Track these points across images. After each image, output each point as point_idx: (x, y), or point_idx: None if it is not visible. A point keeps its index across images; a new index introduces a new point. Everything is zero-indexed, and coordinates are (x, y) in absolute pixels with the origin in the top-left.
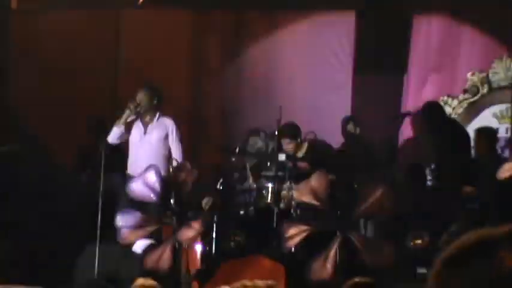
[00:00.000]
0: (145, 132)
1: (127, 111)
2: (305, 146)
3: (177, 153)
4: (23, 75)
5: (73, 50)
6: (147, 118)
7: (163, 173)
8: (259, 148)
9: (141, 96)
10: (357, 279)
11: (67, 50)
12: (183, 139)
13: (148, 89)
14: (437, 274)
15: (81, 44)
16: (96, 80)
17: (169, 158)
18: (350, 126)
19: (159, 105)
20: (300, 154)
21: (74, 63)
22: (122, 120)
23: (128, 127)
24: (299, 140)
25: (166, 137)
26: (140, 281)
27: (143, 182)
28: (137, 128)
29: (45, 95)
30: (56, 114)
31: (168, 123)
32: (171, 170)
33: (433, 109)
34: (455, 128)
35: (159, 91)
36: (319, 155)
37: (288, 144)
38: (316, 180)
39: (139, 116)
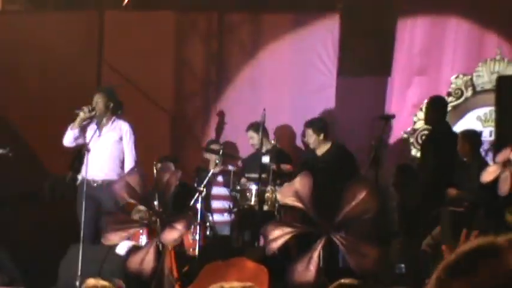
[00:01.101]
0: (99, 135)
1: (81, 114)
2: (328, 144)
3: (129, 157)
4: (6, 75)
5: (56, 52)
6: (103, 121)
7: (116, 176)
8: (254, 144)
9: (96, 99)
10: (342, 280)
11: (50, 51)
12: (137, 143)
13: (104, 92)
14: (438, 280)
15: (65, 46)
16: (79, 82)
17: (122, 161)
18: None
19: (116, 109)
20: (320, 152)
21: (58, 65)
22: (76, 123)
23: (83, 130)
24: (322, 135)
25: (120, 139)
26: (91, 281)
27: (125, 183)
28: (92, 131)
29: (27, 95)
30: (39, 115)
31: (123, 127)
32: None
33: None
34: (444, 129)
35: (115, 95)
36: (340, 159)
37: (310, 137)
38: (299, 183)
39: (94, 119)
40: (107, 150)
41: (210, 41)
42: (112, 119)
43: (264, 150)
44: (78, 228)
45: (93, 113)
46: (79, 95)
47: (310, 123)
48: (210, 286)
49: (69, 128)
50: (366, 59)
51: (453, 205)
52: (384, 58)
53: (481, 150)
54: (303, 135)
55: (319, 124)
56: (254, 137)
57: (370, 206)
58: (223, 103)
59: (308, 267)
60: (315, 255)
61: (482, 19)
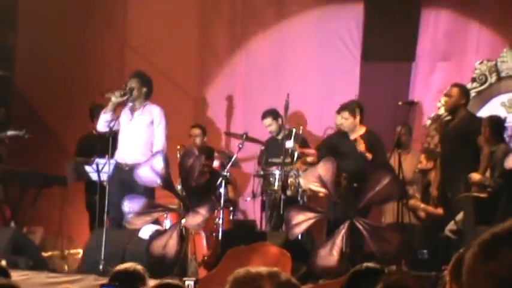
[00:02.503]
0: (132, 119)
1: (112, 98)
2: (363, 129)
3: (159, 140)
4: (30, 58)
5: (80, 38)
6: (135, 105)
7: (146, 158)
8: (272, 131)
9: (131, 84)
10: (366, 265)
11: (73, 36)
12: (168, 128)
13: (139, 77)
14: (470, 263)
15: (88, 30)
16: (103, 67)
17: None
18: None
19: (148, 94)
20: (354, 135)
21: (81, 49)
22: (109, 107)
23: (117, 114)
24: (358, 118)
25: (151, 123)
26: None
27: (150, 167)
28: (124, 115)
29: (50, 79)
30: (63, 99)
31: (154, 110)
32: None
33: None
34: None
35: (149, 80)
36: (373, 145)
37: (345, 120)
38: (323, 168)
39: (127, 103)
40: (138, 134)
41: (234, 24)
42: (144, 104)
43: (281, 135)
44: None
45: (126, 97)
46: (102, 79)
47: (346, 106)
48: (236, 271)
49: (102, 112)
50: (390, 44)
51: (476, 191)
52: (408, 43)
53: (505, 136)
54: (337, 117)
55: (355, 107)
56: (272, 124)
57: (394, 192)
58: (246, 87)
59: (331, 252)
60: (338, 240)
61: (507, 3)
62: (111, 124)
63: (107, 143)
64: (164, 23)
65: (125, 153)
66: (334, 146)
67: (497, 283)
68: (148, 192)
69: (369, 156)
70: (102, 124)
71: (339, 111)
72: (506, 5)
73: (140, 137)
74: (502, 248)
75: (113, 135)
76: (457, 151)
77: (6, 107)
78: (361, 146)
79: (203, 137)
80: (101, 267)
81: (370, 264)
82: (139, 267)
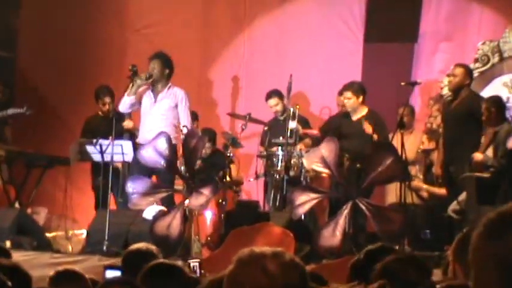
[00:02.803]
0: (155, 101)
1: (138, 81)
2: (365, 109)
3: (185, 122)
4: (33, 40)
5: (82, 20)
6: (158, 87)
7: (173, 141)
8: (277, 111)
9: (153, 65)
10: (380, 243)
11: (76, 18)
12: (192, 105)
13: (160, 58)
14: (479, 237)
15: (91, 13)
16: (106, 49)
17: (177, 126)
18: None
19: (170, 75)
20: (356, 116)
21: (83, 31)
22: (133, 89)
23: (139, 96)
24: (361, 98)
25: (175, 106)
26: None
27: (153, 148)
28: (148, 97)
29: (54, 61)
30: (66, 80)
31: (178, 93)
32: (181, 137)
33: None
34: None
35: (171, 62)
36: (376, 125)
37: (348, 100)
38: (326, 148)
39: (150, 85)
40: (162, 116)
41: (238, 6)
42: (168, 86)
43: (284, 116)
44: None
45: (150, 80)
46: (105, 61)
47: (350, 86)
48: (240, 251)
49: (125, 95)
50: (392, 25)
51: (479, 171)
52: (410, 24)
53: (508, 116)
54: (339, 97)
55: (358, 87)
56: (279, 104)
57: (396, 172)
58: (249, 69)
59: (334, 233)
60: (341, 220)
61: None
62: (134, 107)
63: (111, 125)
64: (167, 4)
65: (149, 135)
66: (337, 127)
67: (501, 263)
68: (169, 174)
69: (376, 137)
70: (126, 106)
71: (341, 92)
72: None
73: (164, 120)
74: (508, 228)
75: (117, 116)
76: (460, 130)
77: (10, 89)
78: (368, 128)
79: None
80: (104, 247)
81: (384, 244)
82: (152, 247)
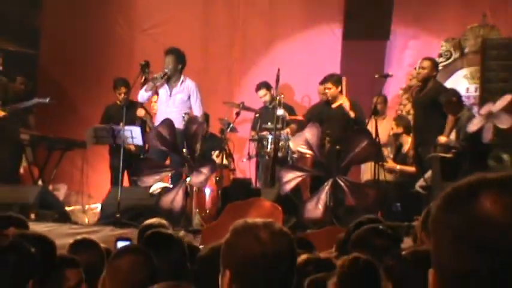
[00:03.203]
0: (170, 95)
1: (156, 79)
2: (343, 98)
3: (197, 112)
4: (53, 38)
5: (96, 21)
6: (172, 81)
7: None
8: (266, 101)
9: (168, 61)
10: (367, 216)
11: (91, 19)
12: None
13: (174, 54)
14: (437, 209)
15: (104, 14)
16: (116, 46)
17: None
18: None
19: (183, 69)
20: (335, 104)
21: (97, 31)
22: (150, 87)
23: (155, 89)
24: (340, 88)
25: (188, 98)
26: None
27: (157, 133)
28: (164, 89)
29: (72, 57)
30: (82, 74)
31: (190, 86)
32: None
33: None
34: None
35: (184, 57)
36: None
37: (329, 89)
38: (309, 132)
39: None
40: (176, 109)
41: (232, 8)
42: (181, 80)
43: (273, 105)
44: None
45: (165, 77)
46: (116, 57)
47: (330, 77)
48: (235, 222)
49: (143, 90)
50: (368, 25)
51: (442, 151)
52: (384, 24)
53: (467, 103)
54: (320, 87)
55: (337, 78)
56: (267, 94)
57: (370, 153)
58: (242, 63)
59: (317, 206)
60: (323, 195)
61: None
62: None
63: (123, 113)
64: (171, 7)
65: None
66: (319, 113)
67: (456, 233)
68: (177, 156)
69: (352, 114)
70: (144, 99)
71: (322, 82)
72: None
73: (178, 112)
74: (463, 202)
75: (130, 105)
76: (427, 116)
77: (33, 81)
78: (347, 104)
79: None
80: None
81: (371, 216)
82: (163, 221)
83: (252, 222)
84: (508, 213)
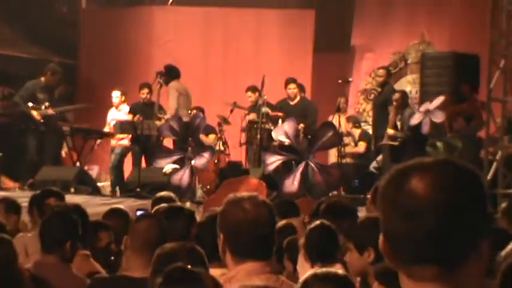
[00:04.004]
0: None
1: None
2: (299, 97)
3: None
4: (89, 51)
5: (123, 34)
6: None
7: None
8: (252, 101)
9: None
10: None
11: (119, 34)
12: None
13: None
14: (383, 187)
15: (128, 30)
16: (137, 60)
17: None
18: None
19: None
20: (294, 102)
21: (124, 44)
22: None
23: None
24: (300, 88)
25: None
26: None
27: (169, 126)
28: None
29: (104, 66)
30: (112, 79)
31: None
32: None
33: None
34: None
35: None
36: (308, 107)
37: (294, 89)
38: (288, 125)
39: None
40: None
41: (228, 28)
42: None
43: (259, 103)
44: None
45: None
46: (136, 69)
47: (293, 79)
48: (228, 195)
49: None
50: (333, 40)
51: (390, 140)
52: (346, 39)
53: (410, 103)
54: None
55: (297, 81)
56: (252, 96)
57: (335, 141)
58: (234, 71)
59: (293, 183)
60: (298, 174)
61: (414, 12)
62: None
63: (146, 109)
64: (180, 27)
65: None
66: (281, 108)
67: (392, 204)
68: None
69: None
70: None
71: (289, 83)
72: (413, 10)
73: None
74: (399, 179)
75: (149, 103)
76: (384, 113)
77: (73, 86)
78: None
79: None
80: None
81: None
82: (172, 194)
83: (240, 196)
84: (429, 189)
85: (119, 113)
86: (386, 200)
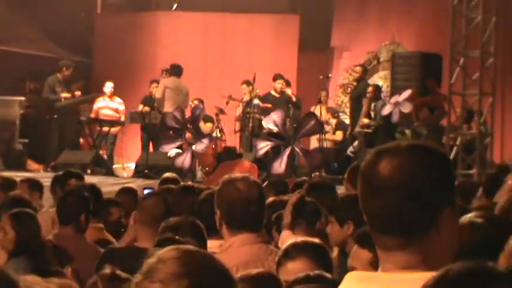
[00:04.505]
0: None
1: None
2: (289, 90)
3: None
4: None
5: (131, 36)
6: None
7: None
8: (245, 93)
9: None
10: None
11: (128, 36)
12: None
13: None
14: (364, 164)
15: (135, 32)
16: (144, 59)
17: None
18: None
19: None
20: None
21: (132, 45)
22: None
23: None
24: (287, 83)
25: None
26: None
27: (173, 115)
28: None
29: (116, 64)
30: (123, 76)
31: None
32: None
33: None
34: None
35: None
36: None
37: (282, 84)
38: (276, 114)
39: None
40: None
41: (224, 31)
42: None
43: (251, 96)
44: None
45: None
46: (143, 67)
47: (280, 75)
48: (224, 176)
49: None
50: (316, 42)
51: (365, 128)
52: (327, 40)
53: (382, 96)
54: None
55: (283, 77)
56: (246, 89)
57: (317, 129)
58: (231, 68)
59: (280, 165)
60: (285, 157)
61: (385, 17)
62: None
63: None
64: (182, 30)
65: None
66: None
67: (365, 182)
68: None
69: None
70: None
71: (276, 78)
72: (385, 15)
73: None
74: (371, 162)
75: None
76: (359, 105)
77: (89, 82)
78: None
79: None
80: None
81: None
82: (175, 175)
83: (234, 177)
84: (393, 171)
85: (111, 102)
86: (361, 178)
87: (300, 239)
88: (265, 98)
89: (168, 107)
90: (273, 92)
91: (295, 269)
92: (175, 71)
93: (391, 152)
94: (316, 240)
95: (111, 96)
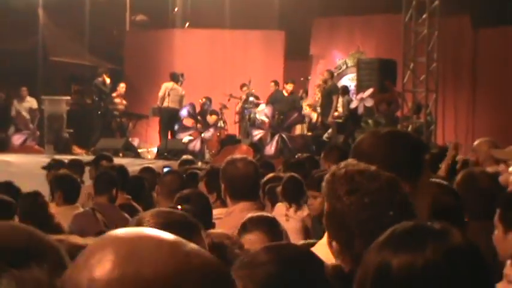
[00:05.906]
0: None
1: None
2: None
3: None
4: (133, 58)
5: (152, 48)
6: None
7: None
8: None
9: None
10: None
11: (150, 46)
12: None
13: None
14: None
15: (154, 42)
16: (163, 67)
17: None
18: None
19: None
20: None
21: (154, 55)
22: None
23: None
24: (275, 86)
25: None
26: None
27: (187, 110)
28: None
29: (143, 71)
30: (148, 79)
31: None
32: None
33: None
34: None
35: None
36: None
37: (292, 87)
38: (268, 108)
39: None
40: None
41: (225, 47)
42: None
43: (248, 95)
44: None
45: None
46: (162, 73)
47: (292, 80)
48: (226, 158)
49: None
50: (299, 51)
51: (337, 119)
52: (307, 50)
53: (350, 94)
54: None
55: (276, 81)
56: (243, 88)
57: (299, 119)
58: (233, 72)
59: (271, 148)
60: (274, 142)
61: (352, 32)
62: None
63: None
64: (193, 42)
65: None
66: (274, 98)
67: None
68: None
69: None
70: None
71: (288, 82)
72: (351, 31)
73: None
74: (356, 143)
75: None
76: (328, 100)
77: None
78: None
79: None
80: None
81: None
82: (190, 157)
83: (235, 157)
84: (372, 147)
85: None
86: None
87: (256, 214)
88: (276, 95)
89: (167, 103)
90: (284, 92)
91: (251, 240)
92: (173, 77)
93: (370, 134)
94: (270, 215)
95: (121, 95)
